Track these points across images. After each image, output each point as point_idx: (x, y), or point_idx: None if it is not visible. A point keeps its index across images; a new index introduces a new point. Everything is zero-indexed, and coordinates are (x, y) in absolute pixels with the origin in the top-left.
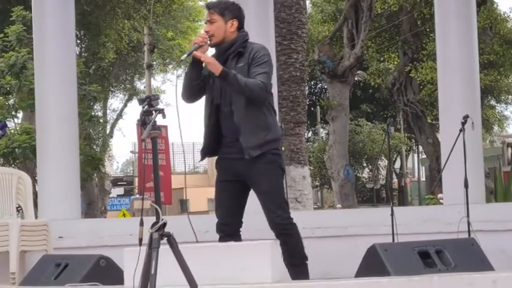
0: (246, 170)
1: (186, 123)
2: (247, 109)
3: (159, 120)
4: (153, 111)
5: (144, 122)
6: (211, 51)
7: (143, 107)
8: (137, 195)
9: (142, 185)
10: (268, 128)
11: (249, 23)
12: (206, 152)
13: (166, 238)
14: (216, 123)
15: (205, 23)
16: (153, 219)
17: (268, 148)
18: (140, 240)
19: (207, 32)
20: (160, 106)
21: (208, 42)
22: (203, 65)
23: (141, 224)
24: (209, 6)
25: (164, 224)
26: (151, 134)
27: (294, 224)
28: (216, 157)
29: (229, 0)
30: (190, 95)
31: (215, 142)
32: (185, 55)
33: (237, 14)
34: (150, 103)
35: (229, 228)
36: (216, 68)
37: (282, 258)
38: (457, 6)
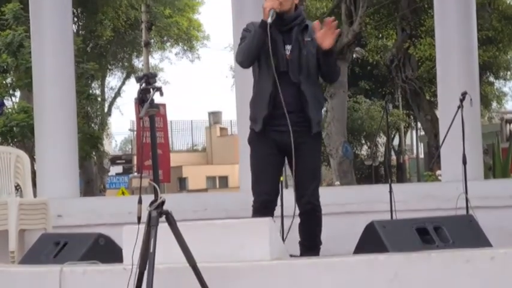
0: (296, 143)
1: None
2: (314, 83)
3: (157, 98)
4: (151, 89)
5: (142, 100)
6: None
7: (141, 85)
8: (135, 174)
9: (141, 163)
10: (323, 107)
11: (247, 2)
12: (266, 123)
13: (164, 216)
14: (275, 91)
15: None
16: (152, 197)
17: (320, 128)
18: (139, 218)
19: None
20: (158, 84)
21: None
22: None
23: (140, 202)
24: None
25: (163, 202)
26: (149, 111)
27: (321, 207)
28: (259, 128)
29: None
30: (254, 58)
31: (271, 112)
32: (270, 19)
33: None
34: (148, 81)
35: (273, 204)
36: (332, 40)
37: (300, 238)
38: None
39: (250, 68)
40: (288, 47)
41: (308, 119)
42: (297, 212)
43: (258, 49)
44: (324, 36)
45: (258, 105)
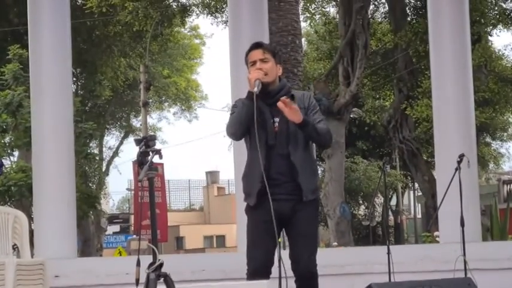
0: (292, 211)
1: (182, 160)
2: (304, 152)
3: (156, 159)
4: (150, 152)
5: (141, 162)
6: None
7: (140, 148)
8: (134, 236)
9: (139, 225)
10: (317, 173)
11: (245, 64)
12: (262, 195)
13: (163, 278)
14: (267, 164)
15: (253, 62)
16: (150, 258)
17: (318, 194)
18: (137, 280)
19: (260, 69)
20: (157, 146)
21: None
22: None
23: (138, 264)
24: (262, 46)
25: (161, 265)
26: (148, 174)
27: (317, 272)
28: (254, 202)
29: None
30: (245, 129)
31: (263, 185)
32: (256, 88)
33: (281, 61)
34: (147, 143)
35: (267, 272)
36: (299, 116)
37: None
38: (452, 44)
39: None
40: (276, 119)
41: (299, 188)
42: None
43: (247, 120)
44: (289, 113)
45: (250, 179)
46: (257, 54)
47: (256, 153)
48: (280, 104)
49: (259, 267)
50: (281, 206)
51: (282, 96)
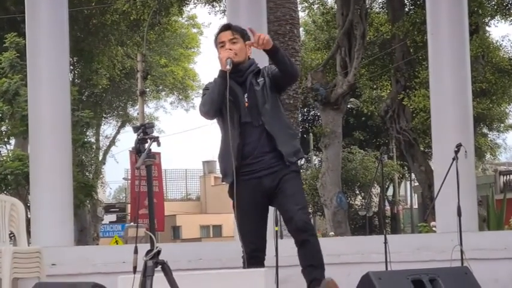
0: (274, 180)
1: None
2: (278, 119)
3: (153, 147)
4: (148, 139)
5: (138, 150)
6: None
7: (138, 135)
8: (131, 223)
9: (136, 212)
10: (296, 135)
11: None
12: (240, 173)
13: (160, 266)
14: (242, 142)
15: (222, 43)
16: (147, 246)
17: (299, 156)
18: (134, 268)
19: (230, 49)
20: (155, 134)
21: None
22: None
23: (135, 251)
24: (231, 27)
25: (158, 252)
26: (146, 162)
27: (314, 229)
28: (230, 180)
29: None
30: (218, 108)
31: (243, 162)
32: (228, 66)
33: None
34: (145, 131)
35: (261, 254)
36: (270, 42)
37: (301, 265)
38: (449, 34)
39: None
40: (246, 95)
41: (281, 155)
42: (294, 261)
43: (220, 98)
44: (257, 40)
45: (225, 159)
46: (226, 35)
47: (232, 132)
48: (249, 42)
49: (254, 249)
50: (264, 182)
51: (250, 72)
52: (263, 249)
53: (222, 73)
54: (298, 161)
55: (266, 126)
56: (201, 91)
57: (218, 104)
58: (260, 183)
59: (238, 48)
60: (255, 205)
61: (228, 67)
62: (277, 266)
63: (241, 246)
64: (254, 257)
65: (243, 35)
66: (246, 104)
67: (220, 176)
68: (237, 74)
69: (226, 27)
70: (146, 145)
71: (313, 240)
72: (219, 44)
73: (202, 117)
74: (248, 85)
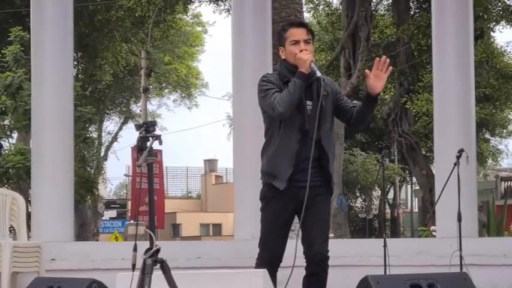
0: (311, 197)
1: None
2: (330, 137)
3: (155, 145)
4: (150, 137)
5: (140, 147)
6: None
7: (140, 133)
8: (131, 221)
9: (137, 210)
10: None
11: (247, 53)
12: (289, 180)
13: (159, 264)
14: (300, 149)
15: (296, 41)
16: (146, 244)
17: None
18: (133, 265)
19: (306, 50)
20: (157, 132)
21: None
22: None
23: (135, 249)
24: (306, 25)
25: (158, 250)
26: (147, 160)
27: (328, 260)
28: (284, 186)
29: None
30: (293, 109)
31: (293, 170)
32: (318, 72)
33: None
34: (147, 129)
35: (278, 262)
36: (381, 88)
37: None
38: (454, 38)
39: (251, 120)
40: (309, 103)
41: (328, 175)
42: (298, 263)
43: (297, 102)
44: (376, 80)
45: (280, 162)
46: (301, 33)
47: (290, 135)
48: (367, 72)
49: (275, 260)
50: (302, 193)
51: (315, 79)
52: (281, 258)
53: (305, 77)
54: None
55: (323, 142)
56: (204, 89)
57: (294, 107)
58: (299, 194)
59: (311, 49)
60: (287, 214)
61: (318, 73)
62: (293, 268)
63: (259, 250)
64: (272, 265)
65: (314, 36)
66: (308, 112)
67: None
68: (309, 76)
69: (301, 24)
70: (148, 143)
71: (324, 276)
72: (291, 41)
73: (272, 114)
74: (315, 94)
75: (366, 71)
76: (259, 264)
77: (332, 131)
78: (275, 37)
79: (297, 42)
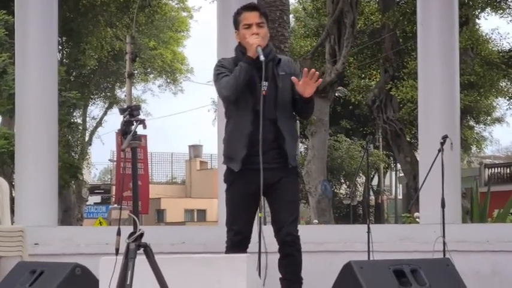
0: (275, 179)
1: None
2: (290, 118)
3: (139, 129)
4: (134, 122)
5: (124, 131)
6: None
7: (124, 117)
8: (115, 205)
9: (121, 194)
10: (298, 141)
11: (233, 36)
12: (245, 162)
13: (143, 249)
14: (253, 129)
15: (248, 24)
16: (130, 228)
17: (296, 162)
18: (117, 250)
19: (257, 34)
20: (141, 116)
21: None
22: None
23: (118, 233)
24: (259, 9)
25: (141, 235)
26: (131, 144)
27: (300, 241)
28: (238, 168)
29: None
30: (240, 93)
31: (248, 151)
32: (262, 56)
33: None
34: (132, 113)
35: (247, 242)
36: (310, 93)
37: (281, 274)
38: (439, 25)
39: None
40: (265, 83)
41: (285, 155)
42: (277, 247)
43: (243, 85)
44: (306, 85)
45: (235, 143)
46: (253, 17)
47: (243, 117)
48: (294, 79)
49: (241, 239)
50: (265, 175)
51: (270, 59)
52: (249, 238)
53: (251, 60)
54: (297, 164)
55: (278, 122)
56: (189, 75)
57: (240, 90)
58: (259, 176)
59: (264, 33)
60: (250, 195)
61: (262, 57)
62: (259, 252)
63: (226, 232)
64: (239, 245)
65: (267, 17)
66: (264, 93)
67: (206, 160)
68: (255, 59)
69: (253, 8)
70: (132, 127)
71: (297, 255)
72: (244, 25)
73: (221, 98)
74: (270, 75)
75: (293, 78)
76: (228, 246)
77: (290, 110)
78: None
79: (249, 26)
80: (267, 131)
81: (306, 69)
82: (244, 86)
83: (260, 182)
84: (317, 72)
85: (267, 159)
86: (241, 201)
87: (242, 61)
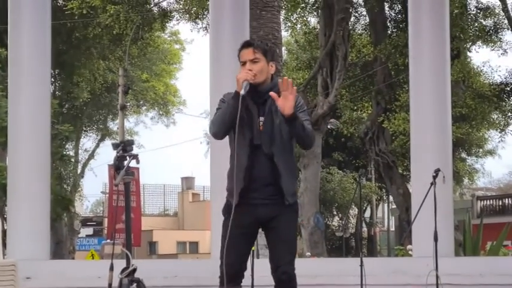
0: (272, 215)
1: (158, 165)
2: (288, 153)
3: (132, 163)
4: (127, 157)
5: (117, 166)
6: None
7: (117, 152)
8: (108, 240)
9: (113, 229)
10: (297, 178)
11: (225, 68)
12: (242, 196)
13: (135, 284)
14: (250, 164)
15: (244, 62)
16: (123, 263)
17: (297, 197)
18: (110, 285)
19: (250, 70)
20: (134, 151)
21: (253, 79)
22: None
23: (111, 268)
24: (253, 45)
25: (134, 270)
26: (124, 179)
27: (296, 279)
28: (236, 202)
29: (267, 42)
30: (228, 130)
31: (247, 185)
32: (243, 91)
33: (274, 57)
34: (125, 148)
35: (240, 276)
36: (291, 106)
37: None
38: (431, 58)
39: (228, 139)
40: (262, 119)
41: (281, 191)
42: (271, 280)
43: (231, 120)
44: (284, 101)
45: (233, 177)
46: (247, 54)
47: (241, 152)
48: (273, 94)
49: (233, 273)
50: (261, 211)
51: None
52: (242, 272)
53: (236, 95)
54: (297, 201)
55: (275, 158)
56: (181, 107)
57: (228, 127)
58: (256, 211)
59: (259, 68)
60: (244, 229)
61: (242, 91)
62: (252, 286)
63: (219, 266)
64: (232, 280)
65: (266, 52)
66: (261, 128)
67: (199, 192)
68: (255, 95)
69: (247, 44)
70: (125, 162)
71: None
72: (241, 62)
73: (210, 135)
74: (267, 109)
75: (271, 93)
76: (220, 281)
77: (289, 145)
78: None
79: (244, 63)
80: (264, 167)
81: (279, 80)
82: (232, 122)
83: (254, 216)
84: (290, 80)
85: (263, 195)
86: (234, 235)
87: (231, 96)
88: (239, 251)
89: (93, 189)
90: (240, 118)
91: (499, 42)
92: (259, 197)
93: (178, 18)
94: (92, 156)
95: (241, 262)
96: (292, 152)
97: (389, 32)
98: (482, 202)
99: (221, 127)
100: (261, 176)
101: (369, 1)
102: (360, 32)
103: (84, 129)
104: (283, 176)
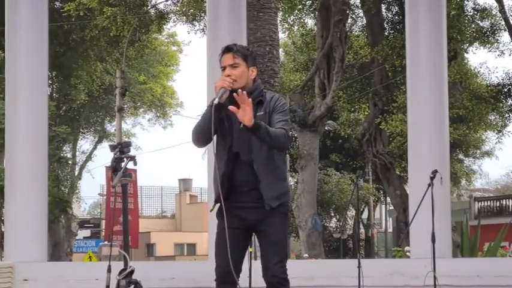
0: (259, 218)
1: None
2: (267, 159)
3: (130, 165)
4: (125, 158)
5: (115, 168)
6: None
7: (115, 154)
8: (105, 242)
9: (111, 230)
10: (284, 178)
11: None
12: (227, 200)
13: (133, 286)
14: (231, 171)
15: (223, 67)
16: (120, 265)
17: (285, 199)
18: (107, 286)
19: (228, 75)
20: (131, 153)
21: (231, 86)
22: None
23: (109, 270)
24: (232, 50)
25: (132, 272)
26: (122, 181)
27: (288, 280)
28: (219, 204)
29: (248, 46)
30: (207, 139)
31: (228, 190)
32: (217, 99)
33: (256, 62)
34: (122, 150)
35: (234, 278)
36: (249, 118)
37: None
38: (428, 59)
39: None
40: (242, 125)
41: (260, 196)
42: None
43: (209, 128)
44: (243, 113)
45: (214, 183)
46: (227, 59)
47: (221, 159)
48: (232, 107)
49: (226, 275)
50: (248, 214)
51: (253, 100)
52: (237, 272)
53: (211, 104)
54: (286, 202)
55: (254, 165)
56: (179, 109)
57: (207, 135)
58: (244, 214)
59: (238, 73)
60: (238, 231)
61: (216, 100)
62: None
63: (214, 269)
64: (226, 280)
65: (246, 57)
66: (241, 134)
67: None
68: (236, 100)
69: (227, 50)
70: (123, 164)
71: None
72: (221, 67)
73: (193, 144)
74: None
75: (230, 107)
76: (217, 281)
77: (269, 151)
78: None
79: (224, 69)
80: (245, 173)
81: (235, 94)
82: (210, 130)
83: (243, 219)
84: (244, 92)
85: (250, 199)
86: (225, 237)
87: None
88: (231, 252)
89: (91, 191)
90: (219, 126)
91: (496, 44)
92: (246, 200)
93: (175, 20)
94: (89, 158)
95: (234, 263)
96: (273, 156)
97: (386, 33)
98: (479, 203)
99: (199, 135)
100: (244, 181)
101: (366, 3)
102: (357, 33)
103: (82, 131)
104: (262, 182)
